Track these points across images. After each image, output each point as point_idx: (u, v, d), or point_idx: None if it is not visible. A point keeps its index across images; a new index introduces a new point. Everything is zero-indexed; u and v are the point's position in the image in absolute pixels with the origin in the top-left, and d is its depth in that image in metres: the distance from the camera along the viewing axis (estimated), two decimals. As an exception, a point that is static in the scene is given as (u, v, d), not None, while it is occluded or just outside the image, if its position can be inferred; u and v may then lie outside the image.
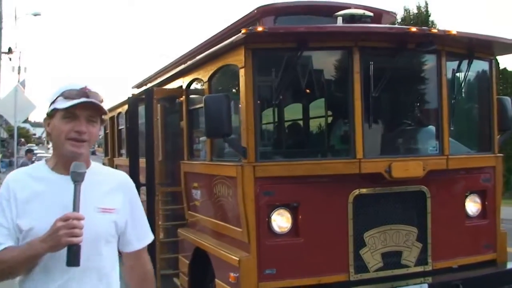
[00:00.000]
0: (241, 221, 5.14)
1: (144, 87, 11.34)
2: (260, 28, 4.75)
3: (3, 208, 2.37)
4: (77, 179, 2.31)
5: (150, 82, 11.08)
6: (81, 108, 2.37)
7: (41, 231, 2.26)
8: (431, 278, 5.50)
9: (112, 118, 12.29)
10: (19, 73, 41.41)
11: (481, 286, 5.70)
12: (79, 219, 2.23)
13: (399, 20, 29.22)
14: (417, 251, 5.50)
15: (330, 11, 6.16)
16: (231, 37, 5.31)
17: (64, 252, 2.23)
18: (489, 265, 6.01)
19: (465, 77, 5.86)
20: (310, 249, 5.17)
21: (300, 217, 5.17)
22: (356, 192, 5.24)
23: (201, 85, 6.37)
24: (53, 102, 2.43)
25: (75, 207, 2.27)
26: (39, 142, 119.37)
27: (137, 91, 12.27)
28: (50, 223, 2.23)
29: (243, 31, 4.77)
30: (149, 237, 2.71)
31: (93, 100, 2.39)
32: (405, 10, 29.69)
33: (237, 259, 5.06)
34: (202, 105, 5.34)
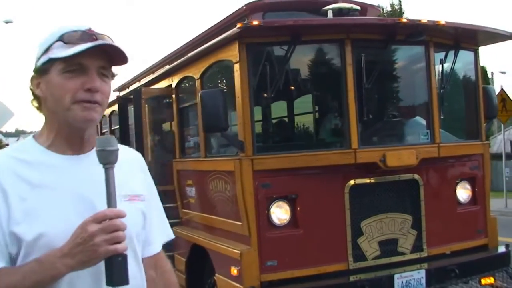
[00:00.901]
0: (240, 215, 5.18)
1: (126, 90, 11.35)
2: (255, 22, 4.81)
3: None
4: (109, 160, 1.62)
5: (133, 84, 11.08)
6: (90, 57, 1.68)
7: (57, 239, 1.59)
8: (427, 264, 5.62)
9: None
10: (-9, 81, 40.78)
11: (475, 270, 5.83)
12: (120, 217, 1.58)
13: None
14: (413, 238, 5.61)
15: (317, 7, 6.26)
16: (220, 34, 5.36)
17: (97, 267, 1.60)
18: (481, 250, 6.16)
19: (452, 67, 5.99)
20: (309, 240, 5.24)
21: (298, 208, 5.23)
22: (352, 182, 5.33)
23: (192, 83, 6.40)
24: (45, 52, 1.72)
25: (111, 200, 1.60)
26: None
27: (119, 94, 12.26)
28: (69, 227, 1.58)
29: (238, 25, 4.82)
30: (171, 234, 2.08)
31: (111, 42, 1.73)
32: (379, 7, 30.10)
33: (239, 252, 5.10)
34: (192, 103, 5.37)
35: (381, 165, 5.29)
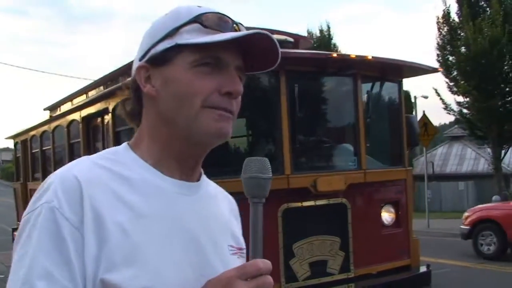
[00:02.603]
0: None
1: (58, 109, 11.26)
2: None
3: (64, 248, 1.08)
4: (262, 192, 1.21)
5: (65, 103, 11.01)
6: (230, 52, 1.22)
7: None
8: (354, 285, 5.93)
9: (24, 141, 12.04)
10: None
11: (398, 289, 6.21)
12: (269, 271, 1.13)
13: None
14: (341, 259, 5.91)
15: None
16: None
17: None
18: (404, 270, 6.55)
19: (377, 97, 6.41)
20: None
21: (233, 231, 5.42)
22: (285, 206, 5.58)
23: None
24: (169, 35, 1.22)
25: (257, 247, 1.18)
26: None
27: (49, 113, 12.13)
28: (182, 281, 1.15)
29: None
30: None
31: (270, 35, 1.21)
32: (309, 33, 30.99)
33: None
34: (129, 127, 5.46)
35: (312, 190, 5.57)
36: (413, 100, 35.19)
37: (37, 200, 1.13)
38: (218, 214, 1.35)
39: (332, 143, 6.54)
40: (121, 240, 1.10)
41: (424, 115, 21.27)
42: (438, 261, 12.35)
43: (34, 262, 1.07)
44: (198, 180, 1.32)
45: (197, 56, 1.19)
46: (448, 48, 22.96)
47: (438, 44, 23.25)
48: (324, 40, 30.28)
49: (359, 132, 6.06)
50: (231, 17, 1.25)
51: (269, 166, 1.20)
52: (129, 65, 5.88)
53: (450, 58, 23.08)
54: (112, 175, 1.17)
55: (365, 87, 6.31)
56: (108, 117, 7.11)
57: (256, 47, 1.23)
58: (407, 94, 32.22)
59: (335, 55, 5.55)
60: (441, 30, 23.26)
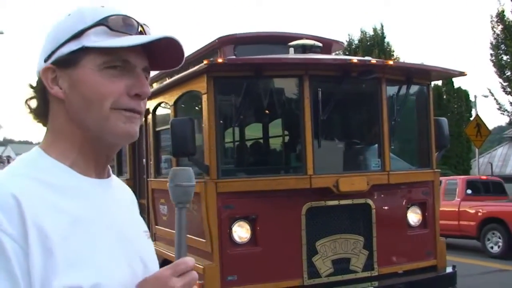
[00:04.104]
0: (205, 233, 5.65)
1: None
2: (220, 60, 5.34)
3: (8, 265, 1.10)
4: (186, 198, 1.35)
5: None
6: (137, 54, 1.29)
7: None
8: (377, 282, 6.11)
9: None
10: (-21, 92, 40.67)
11: (422, 288, 6.34)
12: (194, 266, 1.29)
13: (356, 42, 30.37)
14: (364, 257, 6.09)
15: (284, 40, 6.84)
16: (195, 64, 5.88)
17: None
18: (430, 270, 6.66)
19: (404, 100, 6.54)
20: (267, 257, 5.71)
21: (258, 228, 5.71)
22: (308, 205, 5.83)
23: (167, 108, 6.90)
24: (75, 37, 1.26)
25: (182, 246, 1.33)
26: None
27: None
28: (124, 276, 1.26)
29: (205, 62, 5.34)
30: None
31: (175, 37, 1.30)
32: (362, 32, 30.86)
33: (202, 267, 5.56)
34: (167, 126, 5.85)
35: (334, 190, 5.79)
36: (472, 100, 34.41)
37: None
38: (128, 205, 1.45)
39: (356, 145, 6.73)
40: (64, 247, 1.15)
41: (478, 116, 20.90)
42: (485, 264, 12.24)
43: None
44: (109, 176, 1.39)
45: (105, 58, 1.24)
46: (502, 48, 22.41)
47: (491, 43, 22.73)
48: (377, 38, 30.10)
49: (383, 134, 6.22)
50: (135, 18, 1.30)
51: (193, 175, 1.35)
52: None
53: (504, 58, 22.54)
54: (40, 184, 1.20)
55: (392, 89, 6.46)
56: (149, 117, 7.54)
57: (162, 48, 1.31)
58: (466, 94, 31.56)
59: (355, 60, 5.72)
60: (494, 29, 22.73)
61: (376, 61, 5.72)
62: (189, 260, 1.27)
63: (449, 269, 6.74)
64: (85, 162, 1.30)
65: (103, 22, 1.25)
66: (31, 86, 1.33)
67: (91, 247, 1.21)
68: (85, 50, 1.24)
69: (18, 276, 1.10)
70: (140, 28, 1.31)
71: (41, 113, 1.33)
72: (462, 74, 6.63)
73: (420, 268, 6.60)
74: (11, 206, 1.12)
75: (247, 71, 5.66)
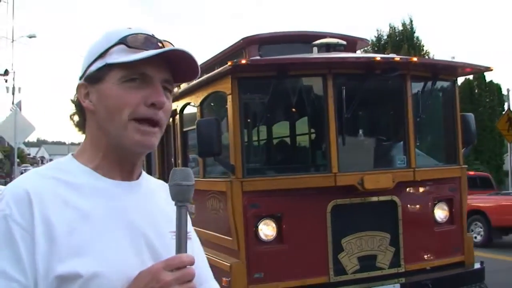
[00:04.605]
0: (231, 231, 5.75)
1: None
2: (243, 61, 5.42)
3: (16, 248, 1.27)
4: (185, 197, 1.40)
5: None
6: (155, 67, 1.42)
7: (113, 281, 1.32)
8: (404, 279, 6.12)
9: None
10: (13, 93, 41.48)
11: (449, 285, 6.32)
12: (191, 263, 1.34)
13: (385, 37, 30.13)
14: (391, 254, 6.11)
15: (308, 39, 6.89)
16: (220, 64, 5.97)
17: None
18: (457, 266, 6.64)
19: (430, 96, 6.52)
20: (293, 255, 5.78)
21: (284, 226, 5.78)
22: (333, 202, 5.87)
23: (193, 109, 7.02)
24: (100, 56, 1.44)
25: (182, 243, 1.36)
26: (33, 162, 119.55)
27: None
28: (127, 268, 1.35)
29: (229, 63, 5.43)
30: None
31: (184, 49, 1.43)
32: (391, 27, 30.60)
33: (229, 264, 5.66)
34: (193, 127, 5.96)
35: (359, 187, 5.82)
36: (505, 93, 33.75)
37: None
38: (160, 205, 1.54)
39: (381, 142, 6.73)
40: (67, 238, 1.29)
41: (509, 110, 20.59)
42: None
43: None
44: (137, 179, 1.53)
45: (124, 73, 1.40)
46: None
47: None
48: (407, 33, 29.81)
49: (408, 131, 6.21)
50: (156, 36, 1.46)
51: (191, 175, 1.41)
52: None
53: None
54: (59, 182, 1.38)
55: (417, 86, 6.45)
56: (177, 118, 7.68)
57: (180, 61, 1.44)
58: (498, 87, 31.02)
59: (378, 58, 5.73)
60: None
61: (400, 58, 5.72)
62: (186, 256, 1.32)
63: (477, 265, 6.70)
64: (109, 166, 1.46)
65: (122, 41, 1.42)
66: (72, 101, 1.53)
67: (97, 240, 1.33)
68: (108, 67, 1.41)
69: (25, 259, 1.25)
70: (159, 44, 1.44)
71: (81, 124, 1.53)
72: (488, 69, 6.58)
73: (448, 264, 6.57)
74: (22, 199, 1.31)
75: (270, 71, 5.73)
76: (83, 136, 1.54)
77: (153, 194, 1.56)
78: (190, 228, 1.62)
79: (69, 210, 1.34)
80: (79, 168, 1.44)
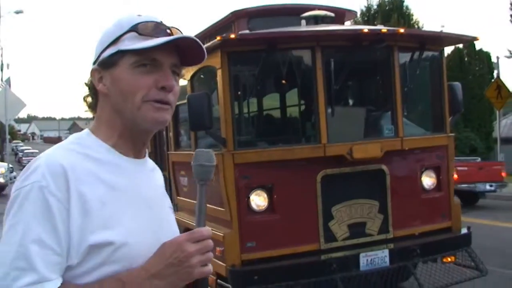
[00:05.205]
0: (224, 202, 5.89)
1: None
2: (232, 36, 5.49)
3: (52, 219, 1.39)
4: (207, 176, 1.55)
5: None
6: (164, 53, 1.54)
7: (136, 250, 1.47)
8: (393, 245, 6.30)
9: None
10: (1, 70, 41.19)
11: (436, 250, 6.52)
12: (210, 237, 1.51)
13: (375, 7, 30.05)
14: (379, 221, 6.28)
15: (296, 12, 6.95)
16: (210, 38, 6.02)
17: None
18: (445, 232, 6.83)
19: (417, 67, 6.62)
20: (285, 224, 5.93)
21: (275, 196, 5.92)
22: (323, 172, 6.01)
23: (183, 84, 7.09)
24: (113, 43, 1.55)
25: (201, 218, 1.52)
26: (24, 138, 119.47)
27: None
28: (145, 237, 1.51)
29: (218, 38, 5.50)
30: None
31: (192, 36, 1.57)
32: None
33: (222, 234, 5.81)
34: (183, 102, 6.04)
35: (348, 157, 5.96)
36: (495, 61, 33.83)
37: (25, 180, 1.43)
38: (158, 183, 1.74)
39: (369, 113, 6.85)
40: (101, 210, 1.43)
41: (498, 78, 20.75)
42: (502, 224, 12.41)
43: (27, 229, 1.36)
44: (144, 157, 1.68)
45: (136, 58, 1.52)
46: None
47: (511, 3, 22.36)
48: (396, 3, 29.73)
49: (396, 101, 6.33)
50: (165, 23, 1.58)
51: (214, 156, 1.58)
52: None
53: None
54: (88, 158, 1.50)
55: (404, 57, 6.54)
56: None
57: (188, 47, 1.57)
58: (487, 55, 31.11)
59: (366, 30, 5.80)
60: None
61: (387, 29, 5.81)
62: (205, 230, 1.49)
63: (464, 230, 6.89)
64: (124, 144, 1.59)
65: (133, 28, 1.54)
66: (86, 84, 1.85)
67: (123, 212, 1.48)
68: (121, 53, 1.53)
69: (60, 229, 1.38)
70: (168, 31, 1.56)
71: (93, 105, 1.65)
72: (474, 39, 6.68)
73: (435, 230, 6.75)
74: (59, 173, 1.41)
75: (259, 45, 5.80)
76: (86, 113, 1.71)
77: (153, 173, 1.73)
78: (170, 204, 1.80)
79: (100, 185, 1.47)
80: (100, 145, 1.56)
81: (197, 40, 1.57)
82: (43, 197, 1.38)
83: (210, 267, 1.51)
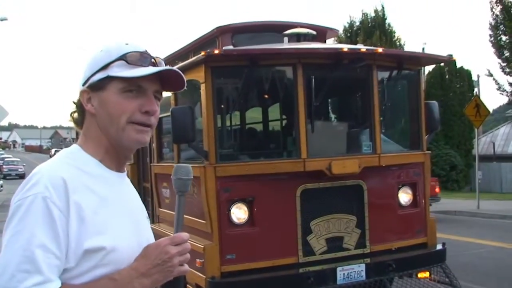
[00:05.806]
0: (205, 214, 5.98)
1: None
2: (216, 51, 5.63)
3: (54, 226, 1.56)
4: (185, 188, 1.81)
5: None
6: (149, 80, 1.73)
7: (124, 254, 1.67)
8: (369, 259, 6.44)
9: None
10: (-16, 78, 40.78)
11: (411, 265, 6.67)
12: (188, 239, 1.75)
13: (358, 23, 30.47)
14: (357, 236, 6.42)
15: (279, 29, 7.12)
16: (194, 53, 6.15)
17: None
18: (420, 248, 6.98)
19: (395, 85, 6.82)
20: (264, 237, 6.04)
21: (255, 209, 6.03)
22: (303, 187, 6.14)
23: (167, 96, 7.19)
24: (103, 68, 1.73)
25: (179, 224, 1.78)
26: (5, 146, 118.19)
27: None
28: (130, 243, 1.71)
29: (202, 53, 5.63)
30: None
31: (174, 69, 1.81)
32: (363, 13, 30.95)
33: (202, 246, 5.90)
34: (167, 114, 6.15)
35: (327, 172, 6.10)
36: (475, 79, 34.38)
37: (27, 191, 1.59)
38: (136, 195, 1.94)
39: (348, 129, 7.01)
40: (93, 218, 1.62)
41: (477, 96, 21.14)
42: (476, 241, 12.62)
43: (32, 235, 1.52)
44: (125, 171, 1.88)
45: (124, 84, 1.71)
46: (501, 28, 22.50)
47: (490, 24, 22.82)
48: (379, 20, 30.20)
49: (374, 118, 6.49)
50: (150, 53, 1.78)
51: (191, 171, 1.82)
52: (170, 57, 6.54)
53: (504, 38, 22.65)
54: (82, 172, 1.69)
55: (383, 75, 6.72)
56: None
57: (170, 75, 1.78)
58: (468, 73, 31.66)
59: (345, 49, 5.98)
60: (494, 9, 22.81)
61: (366, 49, 5.99)
62: (184, 235, 1.72)
63: (439, 246, 7.05)
64: (110, 160, 1.78)
65: (122, 57, 1.73)
66: (74, 102, 1.83)
67: (111, 220, 1.67)
68: (109, 78, 1.71)
69: (61, 235, 1.55)
70: (153, 61, 1.76)
71: (79, 122, 1.83)
72: (450, 59, 6.90)
73: (411, 246, 6.90)
74: (60, 185, 1.59)
75: (242, 61, 5.94)
76: (68, 123, 1.89)
77: (130, 185, 1.92)
78: (146, 213, 2.00)
79: (92, 195, 1.66)
80: (90, 159, 1.75)
81: (178, 71, 1.78)
82: (47, 206, 1.55)
83: (187, 267, 1.74)
